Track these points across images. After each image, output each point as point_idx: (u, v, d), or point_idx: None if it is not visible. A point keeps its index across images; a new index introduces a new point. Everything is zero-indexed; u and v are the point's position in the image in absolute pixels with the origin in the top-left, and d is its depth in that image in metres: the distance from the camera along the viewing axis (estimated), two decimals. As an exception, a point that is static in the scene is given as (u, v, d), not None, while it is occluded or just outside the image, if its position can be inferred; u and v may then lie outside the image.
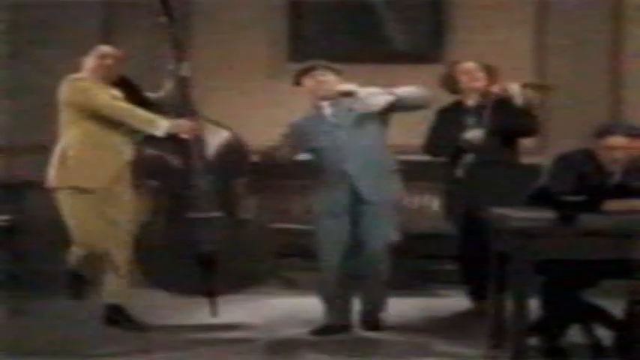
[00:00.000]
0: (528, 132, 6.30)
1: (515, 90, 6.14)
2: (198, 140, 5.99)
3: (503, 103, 6.17)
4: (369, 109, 5.72)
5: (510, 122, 6.15)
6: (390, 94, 5.75)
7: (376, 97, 5.75)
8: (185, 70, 6.00)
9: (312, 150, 5.85)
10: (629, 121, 6.96)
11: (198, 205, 5.95)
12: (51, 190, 5.87)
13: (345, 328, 5.82)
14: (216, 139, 6.11)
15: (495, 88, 6.21)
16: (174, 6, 6.09)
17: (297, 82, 5.93)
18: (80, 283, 6.00)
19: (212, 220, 5.96)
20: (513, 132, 6.23)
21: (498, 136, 6.19)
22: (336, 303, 5.83)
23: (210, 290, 5.98)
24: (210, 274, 5.94)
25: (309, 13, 8.24)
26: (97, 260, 5.89)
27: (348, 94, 5.82)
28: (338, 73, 5.91)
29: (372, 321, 5.88)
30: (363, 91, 5.82)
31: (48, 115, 6.01)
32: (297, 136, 5.84)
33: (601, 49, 8.11)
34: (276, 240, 6.32)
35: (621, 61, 8.09)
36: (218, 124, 6.17)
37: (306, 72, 5.89)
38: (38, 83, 7.32)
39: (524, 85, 6.19)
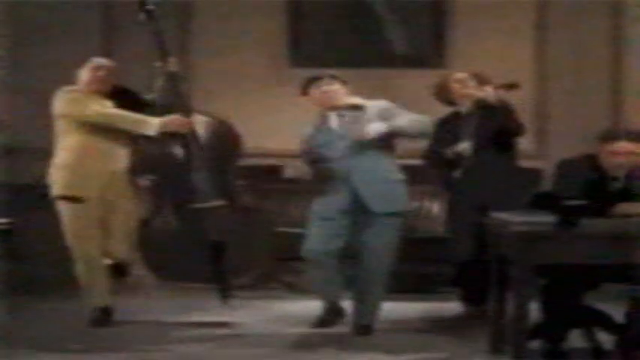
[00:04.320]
0: (513, 132, 6.27)
1: (489, 91, 6.18)
2: (193, 133, 6.02)
3: (487, 108, 6.19)
4: (362, 138, 5.72)
5: (495, 124, 6.17)
6: (389, 124, 5.71)
7: (373, 126, 5.71)
8: (172, 65, 6.01)
9: (318, 158, 5.85)
10: (629, 124, 6.97)
11: (200, 196, 5.99)
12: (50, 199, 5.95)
13: (338, 318, 5.91)
14: (208, 129, 6.14)
15: (479, 93, 6.24)
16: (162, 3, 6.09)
17: (304, 92, 5.94)
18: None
19: (216, 209, 6.01)
20: (499, 134, 6.23)
21: (490, 140, 6.21)
22: (327, 296, 5.92)
23: (222, 277, 6.04)
24: (221, 261, 6.00)
25: (309, 17, 8.25)
26: (94, 268, 5.93)
27: (356, 107, 5.83)
28: (344, 83, 5.92)
29: (364, 327, 5.85)
30: (371, 105, 5.82)
31: (48, 118, 6.01)
32: (310, 148, 5.86)
33: (601, 52, 8.12)
34: (277, 242, 6.38)
35: (621, 65, 8.10)
36: (209, 115, 6.20)
37: (312, 82, 5.90)
38: (39, 84, 7.31)
39: (495, 88, 6.22)
